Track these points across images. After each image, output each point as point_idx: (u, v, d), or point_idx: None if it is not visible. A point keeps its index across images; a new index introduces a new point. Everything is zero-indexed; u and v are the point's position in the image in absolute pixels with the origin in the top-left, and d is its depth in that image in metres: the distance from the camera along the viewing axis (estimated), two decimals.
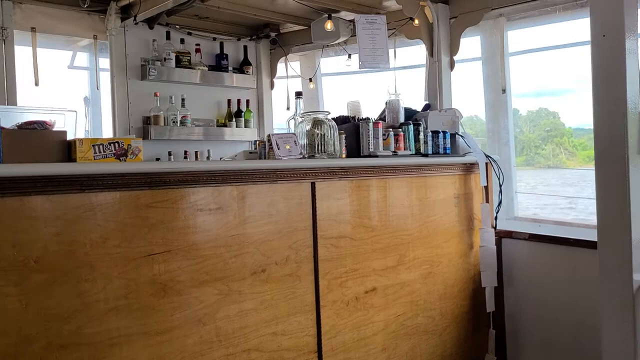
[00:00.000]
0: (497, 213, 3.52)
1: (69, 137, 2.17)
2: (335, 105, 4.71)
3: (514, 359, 3.58)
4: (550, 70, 4.02)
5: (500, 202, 3.52)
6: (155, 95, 4.12)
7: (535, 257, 3.49)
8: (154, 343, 2.11)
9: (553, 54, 3.90)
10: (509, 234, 3.58)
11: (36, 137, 2.08)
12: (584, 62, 3.66)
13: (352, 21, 4.17)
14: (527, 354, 3.53)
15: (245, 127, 4.64)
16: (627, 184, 1.70)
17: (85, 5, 3.54)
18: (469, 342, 3.43)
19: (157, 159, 4.14)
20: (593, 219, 3.72)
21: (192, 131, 4.31)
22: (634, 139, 1.73)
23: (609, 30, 1.73)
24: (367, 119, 3.02)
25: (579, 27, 3.60)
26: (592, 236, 3.23)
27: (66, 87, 4.35)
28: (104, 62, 4.23)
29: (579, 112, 4.19)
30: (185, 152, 4.23)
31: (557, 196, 4.07)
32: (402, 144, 3.06)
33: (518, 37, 3.93)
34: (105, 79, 4.19)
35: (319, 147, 2.71)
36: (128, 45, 4.10)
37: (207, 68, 4.45)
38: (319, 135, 2.72)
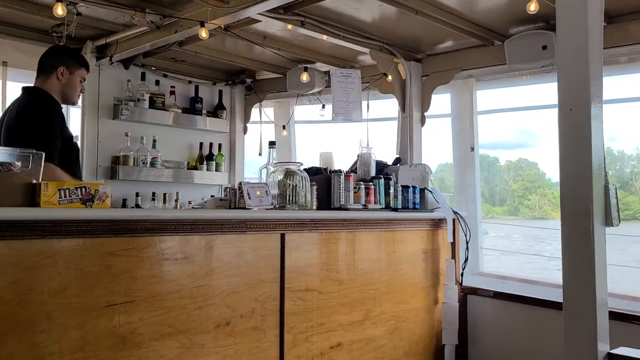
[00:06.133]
0: (463, 269, 3.55)
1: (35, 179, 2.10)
2: (307, 153, 4.74)
3: None
4: (523, 127, 4.12)
5: (466, 259, 3.54)
6: (126, 135, 4.07)
7: (499, 315, 3.50)
8: None
9: (523, 114, 4.04)
10: (474, 291, 3.59)
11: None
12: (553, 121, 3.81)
13: (327, 72, 4.26)
14: None
15: (216, 170, 4.61)
16: (592, 251, 1.74)
17: (61, 43, 3.51)
18: None
19: (124, 200, 4.05)
20: (558, 277, 3.78)
21: (162, 173, 4.25)
22: (599, 208, 1.77)
23: (575, 103, 1.80)
24: (339, 171, 3.03)
25: (546, 90, 3.74)
26: (556, 296, 3.30)
27: None
28: None
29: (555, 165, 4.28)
30: (154, 193, 4.16)
31: (524, 254, 4.13)
32: (372, 198, 3.08)
33: (486, 96, 4.07)
34: (75, 116, 4.12)
35: (290, 198, 2.70)
36: (102, 84, 4.07)
37: (180, 110, 4.44)
38: (291, 186, 2.71)
